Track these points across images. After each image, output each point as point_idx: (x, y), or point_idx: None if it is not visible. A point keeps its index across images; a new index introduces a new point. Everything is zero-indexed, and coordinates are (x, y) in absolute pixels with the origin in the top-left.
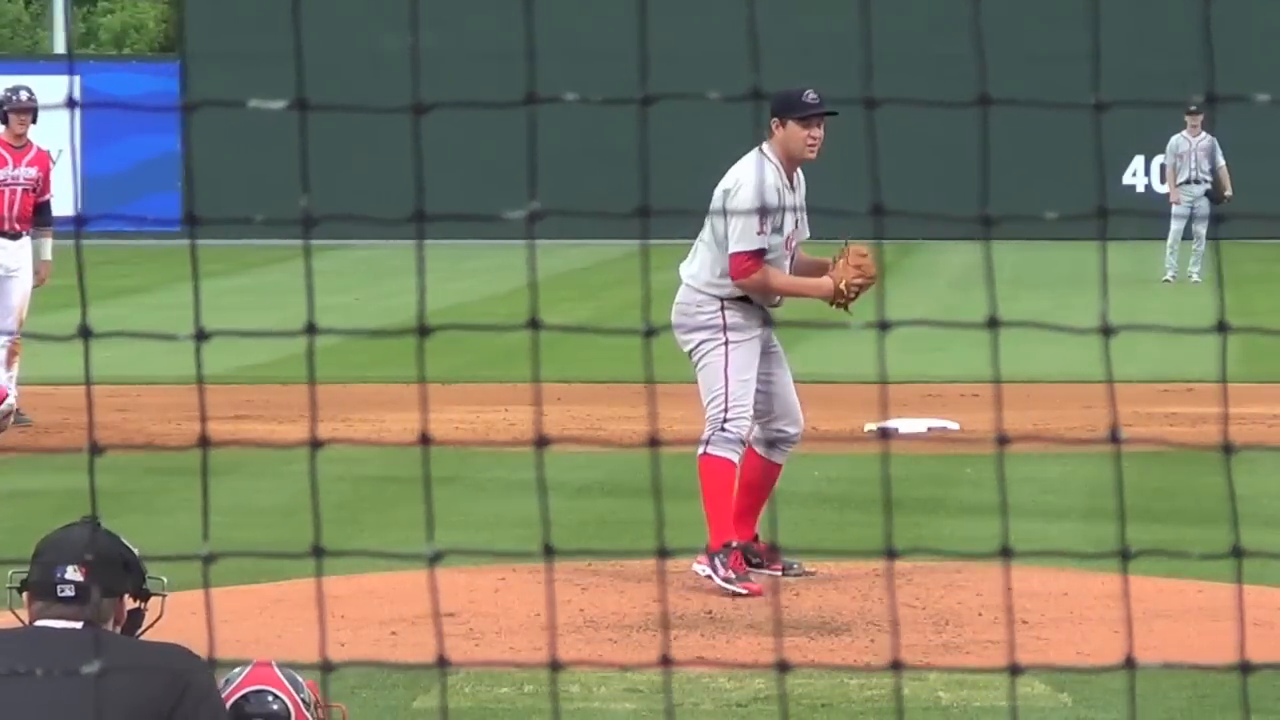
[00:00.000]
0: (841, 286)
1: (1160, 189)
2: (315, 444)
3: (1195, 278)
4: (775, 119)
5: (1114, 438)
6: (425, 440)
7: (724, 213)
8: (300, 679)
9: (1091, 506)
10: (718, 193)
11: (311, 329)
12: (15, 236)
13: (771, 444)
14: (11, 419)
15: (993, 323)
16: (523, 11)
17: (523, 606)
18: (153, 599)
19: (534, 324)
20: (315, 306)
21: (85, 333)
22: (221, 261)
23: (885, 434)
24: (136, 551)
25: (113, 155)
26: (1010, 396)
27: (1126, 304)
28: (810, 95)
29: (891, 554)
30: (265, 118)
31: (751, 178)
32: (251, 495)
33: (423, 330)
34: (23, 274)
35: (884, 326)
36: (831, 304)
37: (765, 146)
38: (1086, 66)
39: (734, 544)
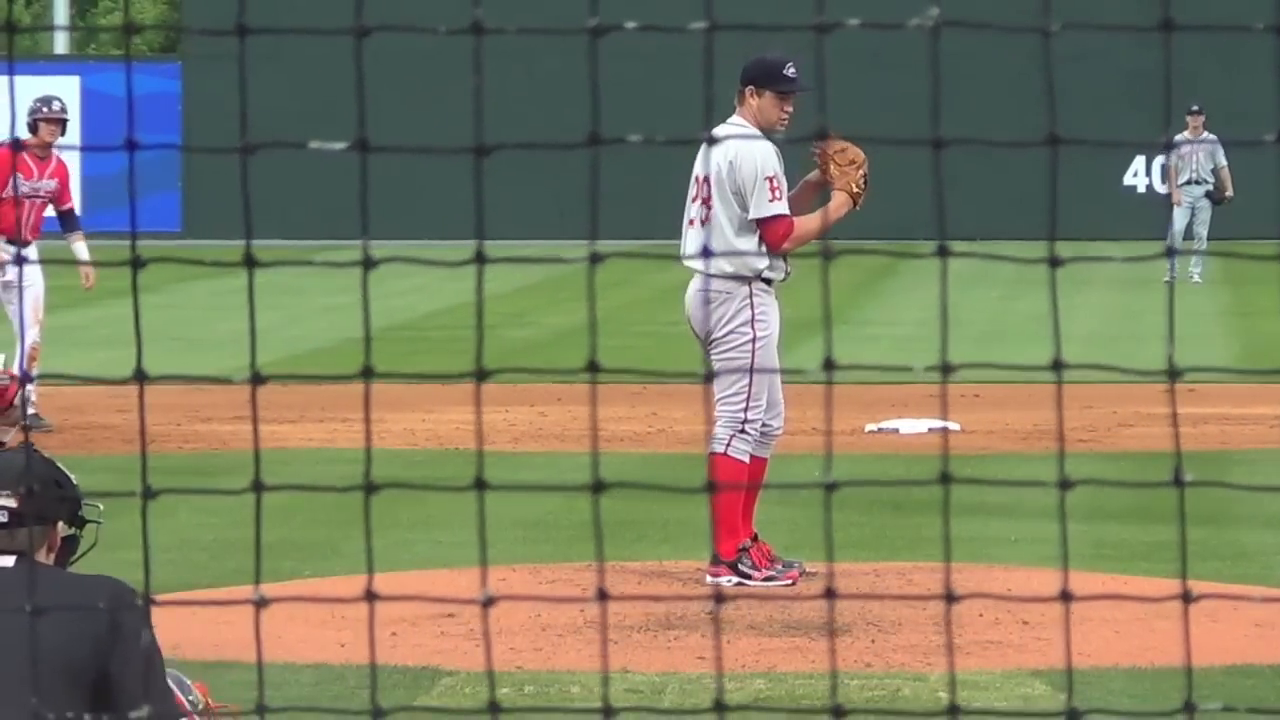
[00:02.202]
0: (854, 190)
1: (1161, 189)
2: (370, 488)
3: (1196, 278)
4: (751, 86)
5: (1177, 480)
6: (481, 485)
7: (732, 190)
8: (188, 681)
9: (1093, 507)
10: (723, 168)
11: (368, 372)
12: (27, 245)
13: (759, 438)
14: (29, 407)
15: (1057, 365)
16: (587, 54)
17: (523, 607)
18: (88, 526)
19: (593, 367)
20: (318, 308)
21: (141, 376)
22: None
23: (944, 470)
24: (74, 479)
25: (113, 155)
26: (1010, 397)
27: (1127, 305)
28: (790, 69)
29: (950, 597)
30: (265, 116)
31: (754, 147)
32: (250, 495)
33: (480, 375)
34: (36, 281)
35: (947, 369)
36: (855, 208)
37: (738, 115)
38: (1086, 65)
39: (748, 543)
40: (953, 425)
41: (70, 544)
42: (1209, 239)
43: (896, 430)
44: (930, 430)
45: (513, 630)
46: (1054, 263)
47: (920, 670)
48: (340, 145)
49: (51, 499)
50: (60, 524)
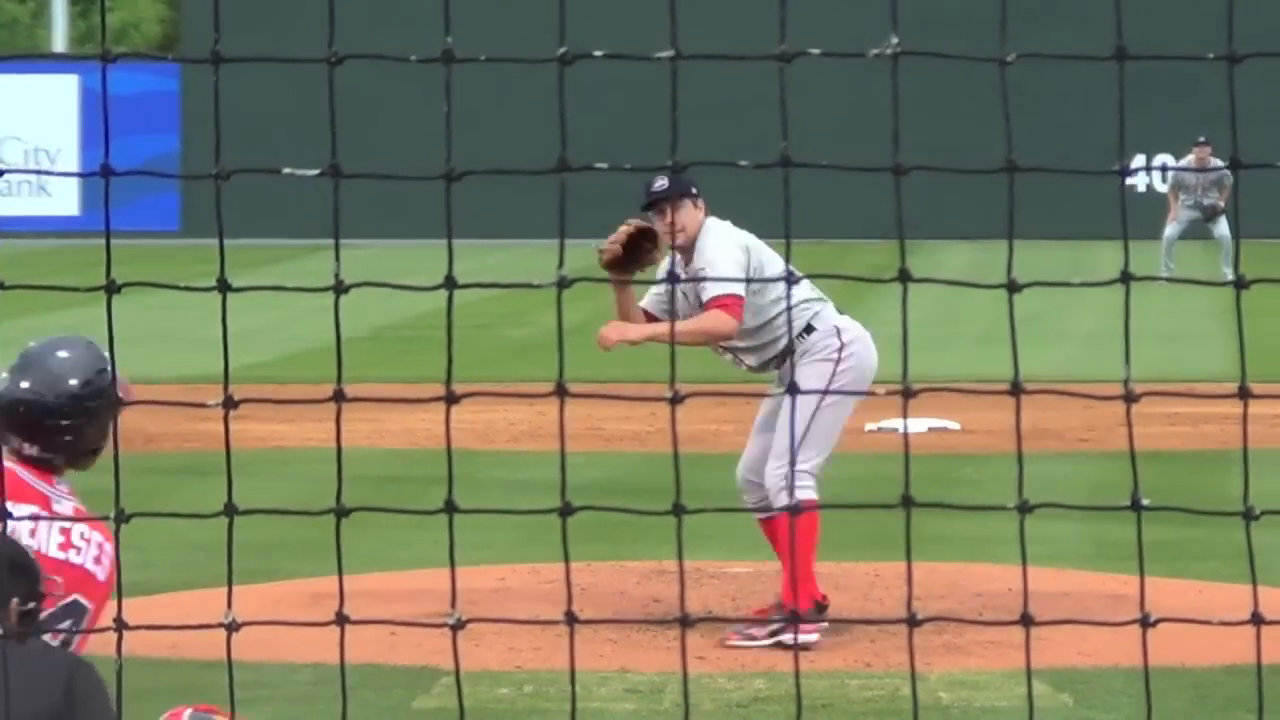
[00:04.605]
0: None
1: (1161, 188)
2: (341, 513)
3: (1229, 274)
4: None
5: (1134, 504)
6: (452, 508)
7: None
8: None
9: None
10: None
11: (339, 395)
12: None
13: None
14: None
15: (1015, 389)
16: (556, 76)
17: (522, 607)
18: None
19: (561, 390)
20: (314, 307)
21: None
22: (216, 262)
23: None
24: (32, 554)
25: (111, 154)
26: (1010, 396)
27: (1123, 305)
28: (651, 187)
29: (912, 620)
30: (263, 114)
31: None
32: (249, 495)
33: (450, 398)
34: None
35: (908, 394)
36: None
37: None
38: (1086, 65)
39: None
40: (952, 424)
41: (27, 620)
42: (1233, 236)
43: (896, 430)
44: (930, 429)
45: (513, 630)
46: (1012, 288)
47: (920, 670)
48: (312, 172)
49: (5, 576)
50: (15, 601)
